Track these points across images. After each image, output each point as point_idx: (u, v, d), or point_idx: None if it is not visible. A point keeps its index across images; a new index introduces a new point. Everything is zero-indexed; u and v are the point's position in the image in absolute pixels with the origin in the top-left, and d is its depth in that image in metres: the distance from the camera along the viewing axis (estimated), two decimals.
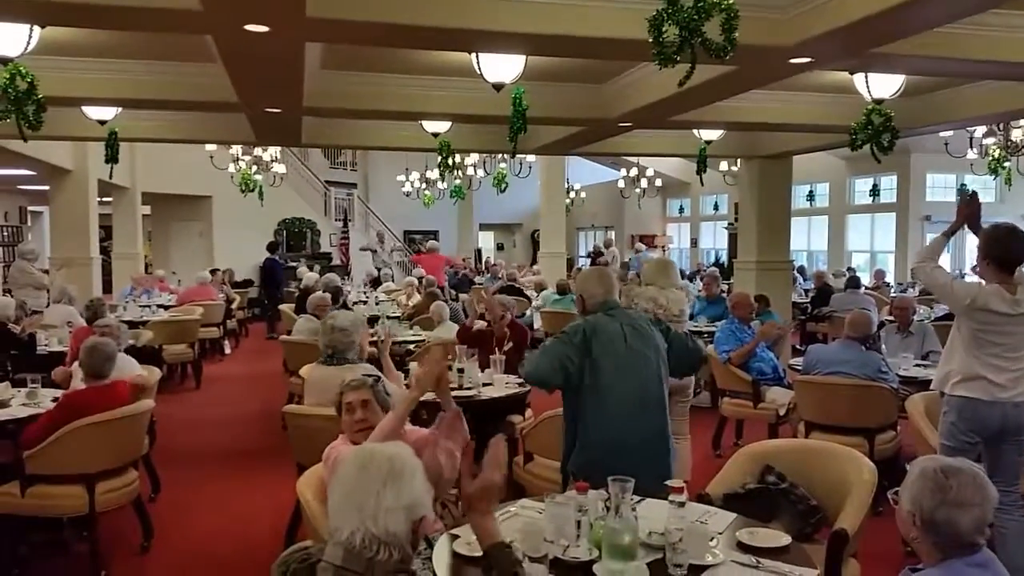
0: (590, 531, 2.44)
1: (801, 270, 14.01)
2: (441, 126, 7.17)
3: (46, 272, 10.39)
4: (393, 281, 14.79)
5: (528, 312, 10.82)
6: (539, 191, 15.05)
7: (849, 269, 14.44)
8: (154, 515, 4.75)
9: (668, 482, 2.56)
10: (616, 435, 3.22)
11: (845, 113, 6.26)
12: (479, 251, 23.10)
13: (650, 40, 2.97)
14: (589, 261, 17.54)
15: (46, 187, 11.31)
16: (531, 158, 11.30)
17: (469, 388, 4.97)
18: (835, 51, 4.39)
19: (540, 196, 15.05)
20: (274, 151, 12.81)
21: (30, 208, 17.76)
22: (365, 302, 11.04)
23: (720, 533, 2.61)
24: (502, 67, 4.58)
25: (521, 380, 5.21)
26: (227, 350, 11.93)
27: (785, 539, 2.56)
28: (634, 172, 15.43)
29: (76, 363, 4.76)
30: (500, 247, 25.90)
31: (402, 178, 18.62)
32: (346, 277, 15.36)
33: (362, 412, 3.15)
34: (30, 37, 4.00)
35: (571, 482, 3.15)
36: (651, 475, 2.87)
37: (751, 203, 9.77)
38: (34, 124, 4.14)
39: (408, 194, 18.73)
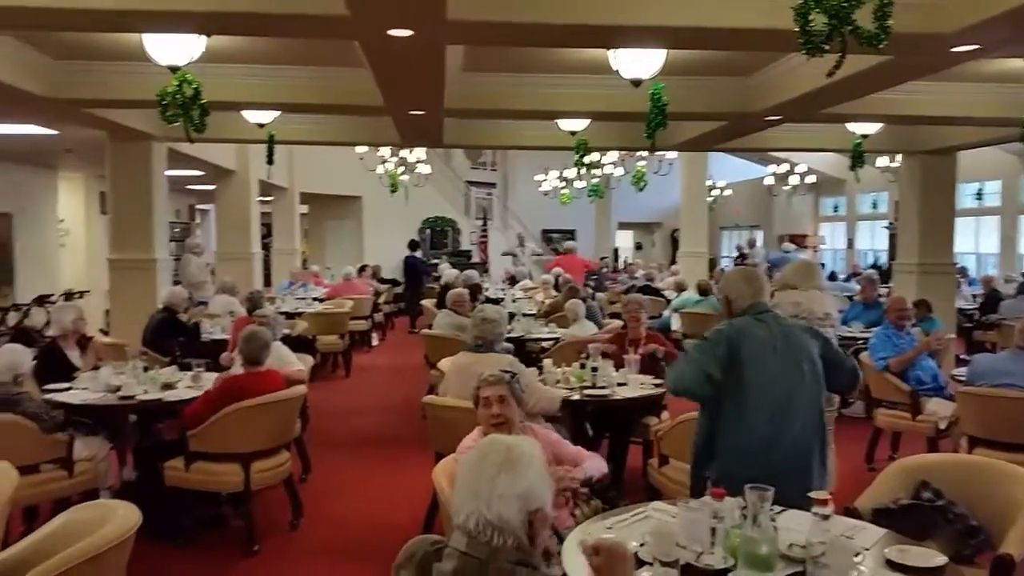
0: (726, 539, 2.36)
1: (962, 271, 12.95)
2: (578, 124, 7.15)
3: (210, 266, 11.24)
4: (530, 279, 14.91)
5: (665, 313, 10.61)
6: (680, 189, 14.73)
7: (1022, 274, 13.25)
8: (304, 495, 5.00)
9: (812, 494, 2.43)
10: (760, 446, 3.06)
11: (1018, 104, 5.74)
12: (617, 250, 22.89)
13: (796, 29, 2.83)
14: (733, 262, 17.00)
15: (212, 186, 12.18)
16: (672, 155, 11.08)
17: (603, 387, 4.94)
18: (1005, 37, 4.01)
19: (681, 194, 14.72)
20: (419, 152, 13.23)
21: (198, 206, 19.23)
22: (502, 299, 11.20)
23: (867, 549, 2.45)
24: (640, 62, 4.52)
25: (658, 382, 5.13)
26: (374, 342, 12.44)
27: (940, 559, 2.37)
28: (784, 168, 14.78)
29: (236, 350, 5.09)
30: (639, 247, 25.56)
31: (540, 177, 18.75)
32: (484, 274, 15.65)
33: (498, 407, 3.20)
34: (196, 47, 4.33)
35: (708, 488, 3.05)
36: (796, 488, 2.71)
37: (912, 201, 9.15)
38: (198, 127, 4.47)
39: (546, 193, 18.85)
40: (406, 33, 3.88)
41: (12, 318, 10.43)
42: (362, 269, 13.66)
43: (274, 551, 4.48)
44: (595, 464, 3.34)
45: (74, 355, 5.38)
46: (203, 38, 4.27)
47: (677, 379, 3.21)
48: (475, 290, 9.06)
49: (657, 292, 11.50)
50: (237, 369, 4.87)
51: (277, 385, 4.64)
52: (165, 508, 4.43)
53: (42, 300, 10.90)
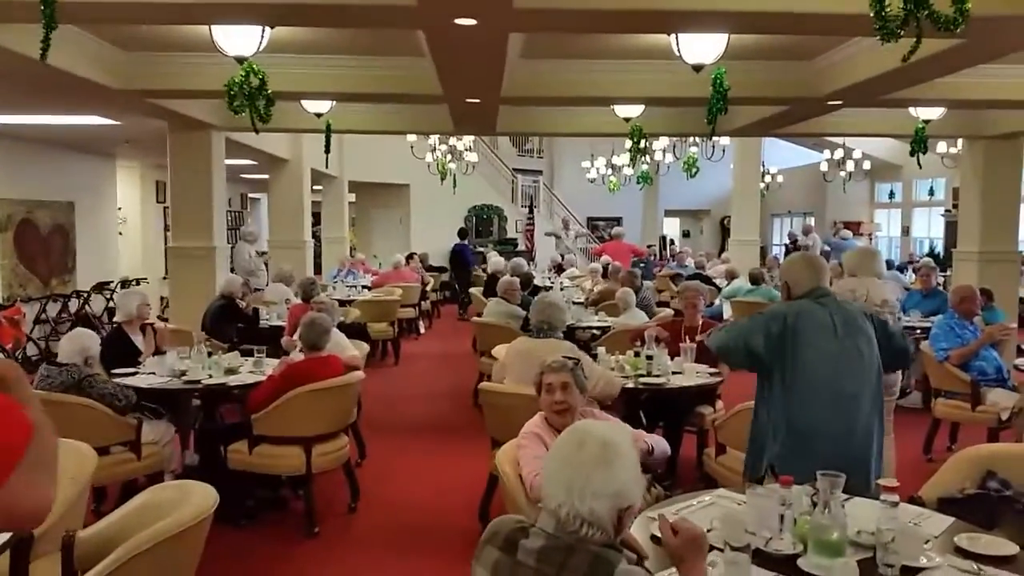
0: (794, 525, 2.36)
1: None
2: (633, 110, 7.11)
3: (263, 254, 11.42)
4: (577, 267, 14.89)
5: (716, 302, 10.52)
6: (730, 175, 14.51)
7: None
8: (360, 479, 5.10)
9: (881, 481, 2.42)
10: (819, 429, 3.06)
11: None
12: (664, 238, 22.69)
13: (871, 14, 2.78)
14: (785, 249, 16.73)
15: (265, 176, 12.38)
16: (724, 140, 10.93)
17: (658, 376, 4.93)
18: None
19: (732, 180, 14.51)
20: (467, 140, 13.27)
21: (250, 195, 19.56)
22: (549, 287, 11.21)
23: (936, 537, 2.43)
24: (703, 47, 4.47)
25: (713, 371, 5.11)
26: (422, 330, 12.56)
27: (1012, 548, 2.34)
28: (839, 154, 14.47)
29: (296, 335, 5.19)
30: (686, 234, 25.29)
31: (587, 164, 18.67)
32: (531, 262, 15.68)
33: (561, 394, 3.22)
34: (262, 37, 4.41)
35: (767, 474, 3.04)
36: (855, 473, 2.71)
37: (974, 188, 8.90)
38: (264, 117, 4.56)
39: (593, 180, 18.75)
40: (471, 22, 3.90)
41: (73, 304, 10.75)
42: (410, 257, 13.78)
43: (334, 533, 4.58)
44: (656, 440, 3.35)
45: (138, 340, 5.53)
46: (269, 29, 4.35)
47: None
48: (527, 279, 9.08)
49: (708, 280, 11.39)
50: (297, 355, 4.97)
51: (338, 370, 4.73)
52: (230, 490, 4.55)
53: (101, 287, 11.22)
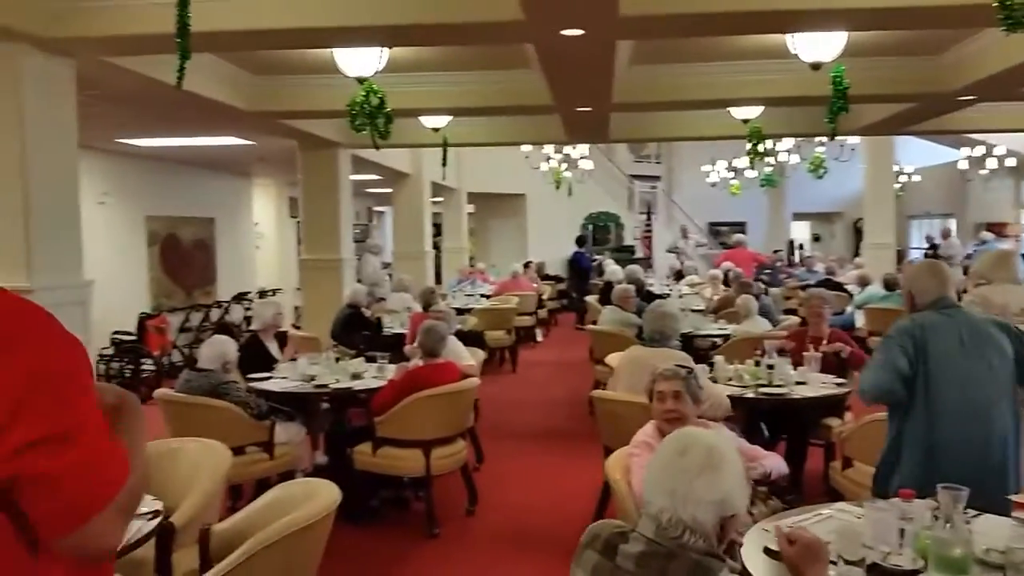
0: (915, 541, 2.26)
1: None
2: (751, 112, 6.94)
3: (387, 265, 11.84)
4: (697, 274, 14.60)
5: (848, 309, 10.06)
6: (863, 175, 13.85)
7: None
8: (478, 483, 5.21)
9: (1014, 497, 2.27)
10: (951, 446, 2.90)
11: None
12: (792, 243, 21.85)
13: (994, 3, 2.63)
14: (924, 254, 15.79)
15: (388, 189, 12.84)
16: (853, 140, 10.47)
17: (780, 386, 4.78)
18: None
19: (864, 181, 13.85)
20: (583, 148, 13.31)
21: (375, 208, 20.32)
22: (668, 295, 11.05)
23: None
24: (821, 46, 4.33)
25: (840, 381, 4.92)
26: (539, 338, 12.65)
27: None
28: (979, 151, 13.53)
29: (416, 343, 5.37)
30: (817, 238, 24.25)
31: (707, 168, 18.27)
32: (648, 270, 15.49)
33: (673, 403, 3.20)
34: (380, 58, 4.62)
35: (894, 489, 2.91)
36: (989, 491, 2.55)
37: None
38: (384, 134, 4.77)
39: (714, 184, 18.34)
40: (578, 32, 3.95)
41: (215, 314, 11.51)
42: (526, 266, 13.93)
43: (453, 534, 4.70)
44: (774, 462, 3.27)
45: (273, 347, 5.88)
46: (387, 50, 4.55)
47: (870, 385, 3.03)
48: (640, 286, 9.01)
49: (839, 287, 10.91)
50: (416, 361, 5.14)
51: (454, 376, 4.86)
52: (355, 490, 4.76)
53: (240, 297, 11.95)
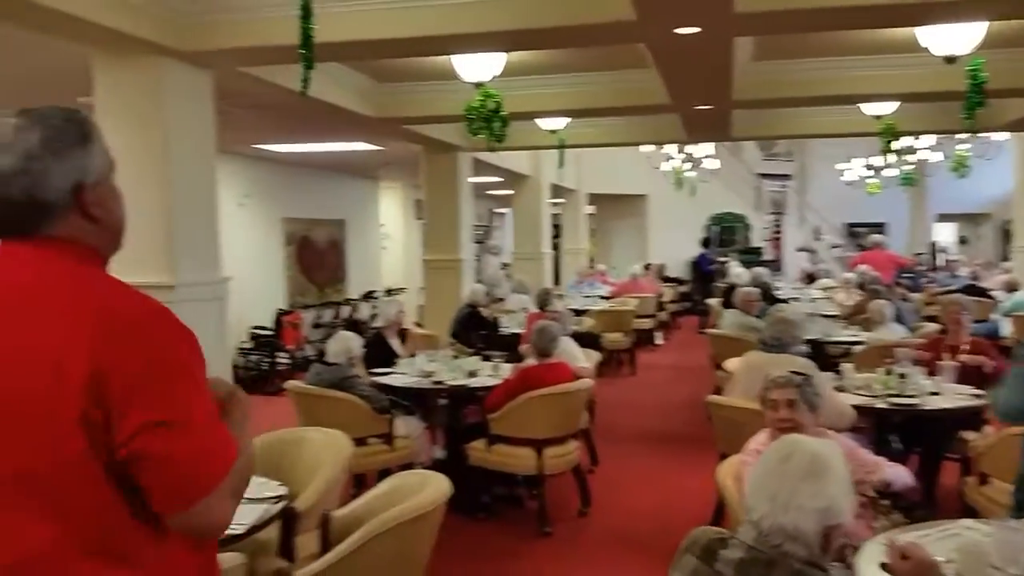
0: None
1: None
2: (884, 108, 6.59)
3: (506, 266, 11.99)
4: (830, 277, 13.96)
5: (992, 316, 9.35)
6: (1013, 173, 12.83)
7: None
8: (592, 485, 5.21)
9: None
10: None
11: None
12: (935, 245, 20.51)
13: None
14: None
15: (509, 191, 13.01)
16: (1002, 136, 9.73)
17: (912, 396, 4.52)
18: None
19: (1014, 179, 12.83)
20: (707, 147, 13.00)
21: (496, 210, 20.62)
22: (798, 299, 10.64)
23: None
24: (955, 38, 4.07)
25: (977, 392, 4.61)
26: (658, 341, 12.48)
27: None
28: None
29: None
30: (963, 241, 22.67)
31: (843, 166, 17.41)
32: (777, 273, 14.96)
33: (786, 411, 3.09)
34: (497, 63, 4.70)
35: None
36: None
37: None
38: (500, 138, 4.85)
39: (850, 184, 17.47)
40: (693, 30, 3.89)
41: (344, 311, 12.03)
42: (647, 268, 13.76)
43: (565, 534, 4.72)
44: (895, 472, 3.10)
45: (395, 343, 6.11)
46: (503, 55, 4.63)
47: (1004, 404, 2.84)
48: (766, 289, 8.73)
49: (984, 293, 10.17)
50: (530, 360, 5.20)
51: (567, 376, 4.89)
52: (469, 485, 4.88)
53: (368, 296, 12.43)
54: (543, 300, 7.61)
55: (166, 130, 4.10)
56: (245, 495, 2.75)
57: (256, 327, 9.97)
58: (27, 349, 1.20)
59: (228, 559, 2.27)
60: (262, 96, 5.41)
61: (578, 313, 9.24)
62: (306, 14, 3.32)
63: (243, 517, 2.67)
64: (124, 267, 4.31)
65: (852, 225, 21.37)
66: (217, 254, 4.57)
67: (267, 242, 10.67)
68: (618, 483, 5.63)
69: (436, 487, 2.85)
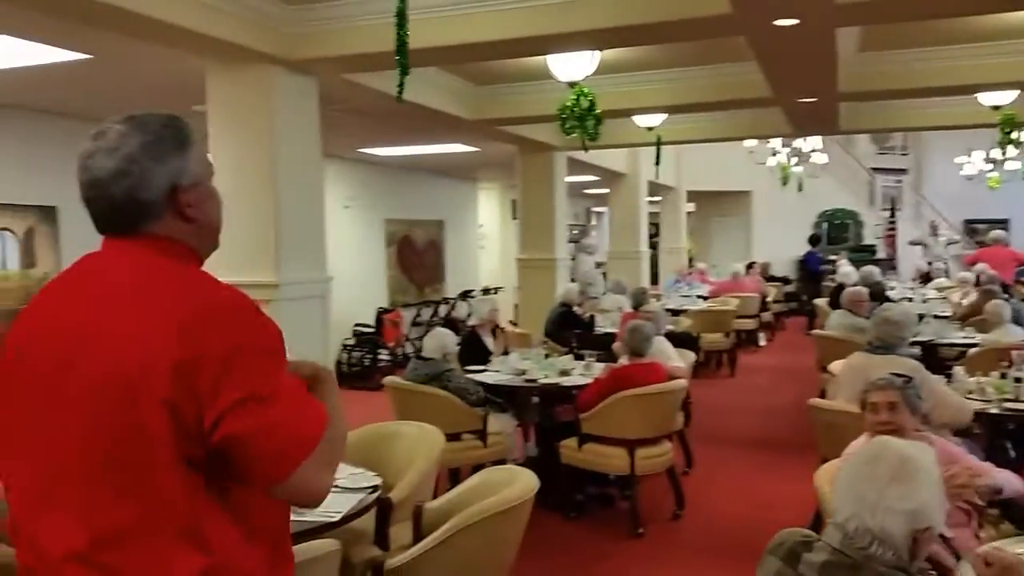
0: None
1: None
2: (1002, 97, 6.21)
3: (601, 265, 11.93)
4: (947, 277, 13.23)
5: None
6: None
7: None
8: (686, 487, 5.13)
9: None
10: None
11: None
12: None
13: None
14: None
15: (605, 190, 12.94)
16: None
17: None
18: None
19: None
20: (815, 141, 12.56)
21: (593, 209, 20.54)
22: (911, 299, 10.14)
23: None
24: None
25: None
26: (761, 342, 12.14)
27: None
28: None
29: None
30: None
31: (962, 159, 16.46)
32: (890, 271, 14.28)
33: (887, 414, 2.98)
34: (591, 61, 4.70)
35: None
36: None
37: None
38: (593, 136, 4.85)
39: (970, 178, 16.50)
40: (792, 22, 3.78)
41: (442, 310, 12.27)
42: (750, 266, 13.40)
43: (657, 537, 4.67)
44: (1005, 477, 2.94)
45: (489, 341, 6.19)
46: (598, 53, 4.63)
47: None
48: (877, 289, 8.36)
49: None
50: (623, 360, 5.17)
51: (660, 377, 4.83)
52: (562, 483, 4.91)
53: (465, 295, 12.63)
54: (638, 299, 7.54)
55: (274, 135, 4.30)
56: (342, 484, 2.90)
57: (359, 324, 10.30)
58: (121, 337, 1.29)
59: (324, 545, 2.36)
60: (364, 101, 5.59)
61: (675, 313, 9.10)
62: (401, 21, 3.42)
63: (339, 505, 2.78)
64: (233, 266, 4.57)
65: (971, 222, 20.15)
66: (322, 254, 4.75)
67: (370, 243, 11.00)
68: (714, 487, 5.53)
69: (524, 483, 2.89)
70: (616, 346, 6.23)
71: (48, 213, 6.09)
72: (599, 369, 5.27)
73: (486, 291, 12.92)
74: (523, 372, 5.36)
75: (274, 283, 4.25)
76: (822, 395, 6.58)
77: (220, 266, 1.49)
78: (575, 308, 7.61)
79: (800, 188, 12.92)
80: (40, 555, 1.34)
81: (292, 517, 2.61)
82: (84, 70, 4.67)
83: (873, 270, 10.01)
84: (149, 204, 1.39)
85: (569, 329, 7.17)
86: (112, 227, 1.41)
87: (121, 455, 1.29)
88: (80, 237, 1.43)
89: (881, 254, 16.92)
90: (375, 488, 3.03)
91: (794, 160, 12.56)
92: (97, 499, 1.30)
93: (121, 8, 3.26)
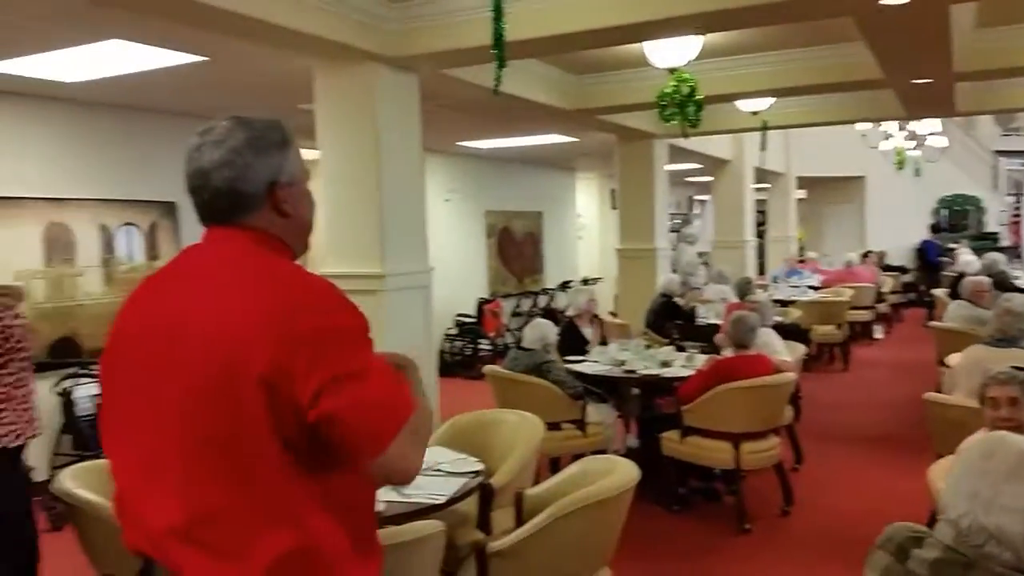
0: None
1: None
2: None
3: (703, 255, 11.68)
4: None
5: None
6: None
7: None
8: (795, 484, 5.00)
9: None
10: None
11: None
12: None
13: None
14: None
15: (709, 178, 12.65)
16: None
17: None
18: None
19: None
20: (933, 123, 11.89)
21: (696, 197, 20.12)
22: None
23: None
24: None
25: None
26: (877, 335, 11.65)
27: None
28: None
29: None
30: None
31: None
32: (1016, 260, 13.40)
33: (1008, 410, 2.83)
34: (692, 47, 4.60)
35: None
36: None
37: None
38: (694, 123, 4.75)
39: None
40: (900, 1, 3.59)
41: (541, 300, 12.32)
42: (865, 255, 12.84)
43: (764, 533, 4.58)
44: None
45: (587, 331, 6.19)
46: (699, 38, 4.53)
47: None
48: (1001, 278, 7.87)
49: None
50: (727, 352, 5.07)
51: (766, 369, 4.71)
52: (663, 475, 4.86)
53: (564, 286, 12.64)
54: (743, 290, 7.36)
55: (378, 131, 4.42)
56: (446, 468, 2.98)
57: (460, 314, 10.48)
58: (219, 321, 1.37)
59: (430, 526, 2.44)
60: (462, 95, 5.67)
61: (784, 304, 8.83)
62: (498, 15, 3.45)
63: (443, 488, 2.87)
64: (342, 258, 4.73)
65: None
66: (424, 246, 4.86)
67: (470, 234, 11.15)
68: (824, 483, 5.36)
69: (623, 473, 2.88)
70: (719, 337, 6.11)
71: (168, 208, 6.47)
72: (701, 361, 5.18)
73: (585, 281, 12.89)
74: (622, 363, 5.33)
75: (380, 274, 4.38)
76: (939, 389, 6.27)
77: (330, 258, 1.57)
78: (676, 299, 7.49)
79: (917, 173, 12.27)
80: (145, 531, 1.42)
81: (399, 499, 2.73)
82: (201, 72, 4.93)
83: (997, 258, 9.43)
84: (248, 196, 1.47)
85: (670, 320, 7.08)
86: (213, 217, 1.50)
87: (219, 436, 1.35)
88: (197, 231, 1.53)
89: (1005, 242, 15.90)
90: (477, 473, 3.10)
91: (910, 144, 11.94)
92: (195, 478, 1.37)
93: (239, 13, 3.43)
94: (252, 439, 1.34)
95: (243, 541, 1.35)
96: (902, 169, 11.62)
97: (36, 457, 2.87)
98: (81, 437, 5.45)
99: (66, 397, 5.49)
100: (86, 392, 5.60)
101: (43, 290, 5.67)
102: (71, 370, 5.56)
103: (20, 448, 3.46)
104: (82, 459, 4.22)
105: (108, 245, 6.12)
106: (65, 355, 5.65)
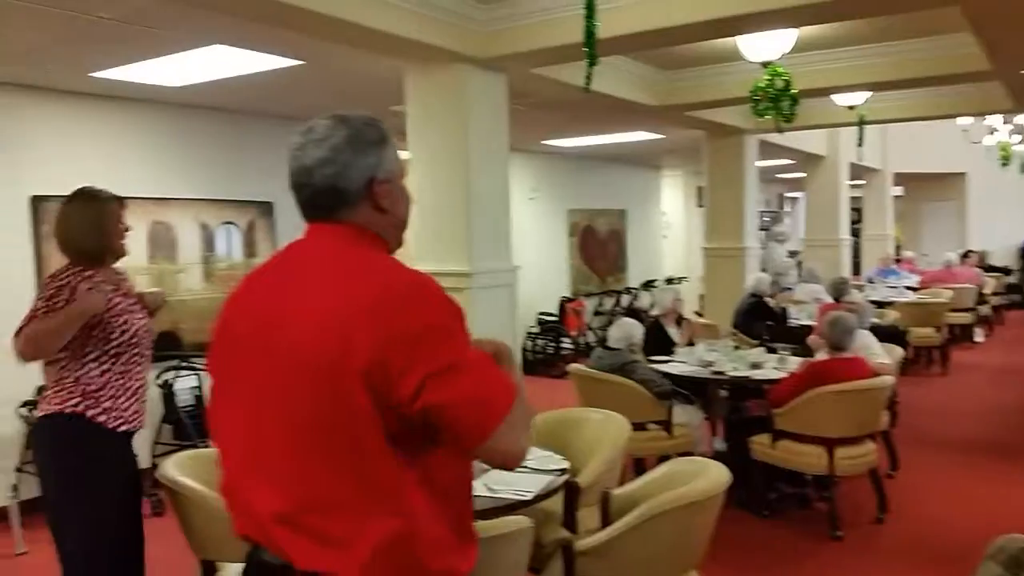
0: None
1: None
2: None
3: (794, 254, 11.34)
4: None
5: None
6: None
7: None
8: (890, 491, 4.83)
9: None
10: None
11: None
12: None
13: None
14: None
15: (801, 174, 12.28)
16: None
17: None
18: None
19: None
20: None
21: (787, 194, 19.56)
22: None
23: None
24: None
25: None
26: (978, 338, 11.11)
27: None
28: None
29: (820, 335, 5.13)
30: None
31: None
32: None
33: None
34: (788, 40, 4.48)
35: None
36: None
37: None
38: (788, 118, 4.62)
39: None
40: None
41: (624, 299, 12.21)
42: (965, 255, 12.25)
43: (857, 541, 4.42)
44: None
45: (673, 331, 6.09)
46: (794, 30, 4.40)
47: None
48: None
49: None
50: (822, 354, 4.91)
51: (863, 372, 4.55)
52: (752, 480, 4.75)
53: (648, 285, 12.49)
54: (839, 290, 7.12)
55: (467, 132, 4.46)
56: (531, 465, 2.98)
57: (543, 313, 10.49)
58: (320, 315, 1.40)
59: (518, 521, 2.44)
60: (549, 94, 5.66)
61: (879, 305, 8.51)
62: (590, 12, 3.43)
63: (530, 485, 2.87)
64: (431, 256, 4.79)
65: None
66: (508, 244, 4.88)
67: (553, 233, 11.15)
68: (921, 491, 5.14)
69: (714, 476, 2.83)
70: (812, 339, 5.92)
71: (265, 208, 6.69)
72: (794, 364, 5.04)
73: (669, 281, 12.72)
74: (710, 364, 5.23)
75: (467, 272, 4.42)
76: None
77: (421, 256, 1.60)
78: (766, 299, 7.31)
79: (1022, 169, 11.61)
80: (253, 518, 1.48)
81: (487, 494, 2.75)
82: (296, 75, 5.08)
83: None
84: (348, 193, 1.51)
85: (760, 321, 6.90)
86: (314, 213, 1.55)
87: (324, 425, 1.39)
88: (293, 230, 1.58)
89: None
90: (563, 471, 3.09)
91: (1016, 138, 11.33)
92: (301, 466, 1.42)
93: (335, 17, 3.52)
94: (355, 428, 1.37)
95: (348, 527, 1.39)
96: (1007, 165, 11.04)
97: (139, 446, 3.02)
98: (181, 427, 5.70)
99: (167, 389, 5.75)
100: (186, 384, 5.86)
101: (147, 286, 5.95)
102: (172, 363, 5.83)
103: (132, 434, 3.63)
104: (181, 448, 4.41)
105: (208, 243, 6.38)
106: (167, 348, 5.91)
